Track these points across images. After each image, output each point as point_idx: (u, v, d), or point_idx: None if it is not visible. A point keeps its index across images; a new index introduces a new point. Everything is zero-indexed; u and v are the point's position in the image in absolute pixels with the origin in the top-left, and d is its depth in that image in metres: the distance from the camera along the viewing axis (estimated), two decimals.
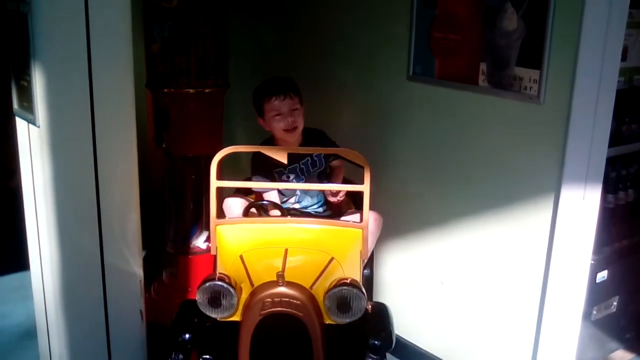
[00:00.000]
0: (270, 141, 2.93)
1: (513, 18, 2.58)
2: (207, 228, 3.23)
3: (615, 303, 3.21)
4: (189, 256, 3.45)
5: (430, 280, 3.13)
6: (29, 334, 2.97)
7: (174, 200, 3.47)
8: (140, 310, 2.72)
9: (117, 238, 2.57)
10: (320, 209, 3.01)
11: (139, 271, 2.68)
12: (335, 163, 3.02)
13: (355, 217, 2.78)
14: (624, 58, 2.75)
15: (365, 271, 2.88)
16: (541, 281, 2.69)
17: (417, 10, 2.93)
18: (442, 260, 3.07)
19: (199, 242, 3.44)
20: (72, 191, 2.44)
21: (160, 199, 3.54)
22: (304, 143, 2.92)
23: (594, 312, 3.11)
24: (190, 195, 3.40)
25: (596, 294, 3.06)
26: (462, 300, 3.02)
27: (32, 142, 2.44)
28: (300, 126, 2.87)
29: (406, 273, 3.26)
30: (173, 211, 3.48)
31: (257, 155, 2.86)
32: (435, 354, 3.18)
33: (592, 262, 2.85)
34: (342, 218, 2.82)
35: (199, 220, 3.42)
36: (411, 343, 3.26)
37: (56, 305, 2.55)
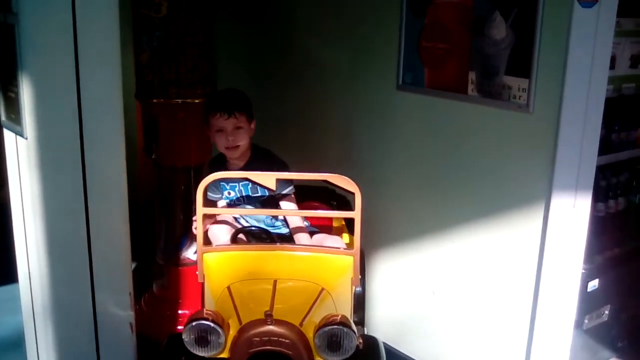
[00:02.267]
0: (223, 156, 2.88)
1: (502, 27, 2.59)
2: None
3: (607, 312, 3.21)
4: (179, 267, 3.43)
5: (422, 289, 3.12)
6: (17, 347, 2.94)
7: (163, 211, 3.45)
8: (130, 323, 2.70)
9: (107, 249, 2.54)
10: (286, 229, 2.92)
11: (128, 283, 2.66)
12: (284, 201, 2.86)
13: (335, 239, 2.77)
14: (612, 66, 2.77)
15: (357, 289, 2.85)
16: (532, 290, 2.69)
17: (407, 19, 2.94)
18: (434, 269, 3.06)
19: (189, 253, 3.42)
20: (60, 203, 2.42)
21: (150, 210, 3.52)
22: (251, 161, 2.86)
23: (586, 321, 3.10)
24: (180, 206, 3.38)
25: (588, 303, 3.05)
26: (453, 310, 3.01)
27: (20, 154, 2.42)
28: (243, 144, 2.81)
29: (398, 283, 3.25)
30: (163, 222, 3.46)
31: (210, 165, 2.88)
32: None
33: (583, 271, 2.85)
34: (326, 242, 2.77)
35: (189, 232, 3.39)
36: (403, 354, 3.25)
37: (45, 318, 2.53)
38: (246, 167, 2.84)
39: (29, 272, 2.57)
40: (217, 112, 2.77)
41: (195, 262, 3.34)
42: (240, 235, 2.75)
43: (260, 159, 2.86)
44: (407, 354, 3.24)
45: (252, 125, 2.85)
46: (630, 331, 3.43)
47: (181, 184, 3.35)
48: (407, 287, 3.20)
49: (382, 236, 3.11)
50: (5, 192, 2.63)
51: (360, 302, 2.97)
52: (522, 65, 2.54)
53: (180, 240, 3.42)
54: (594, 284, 3.03)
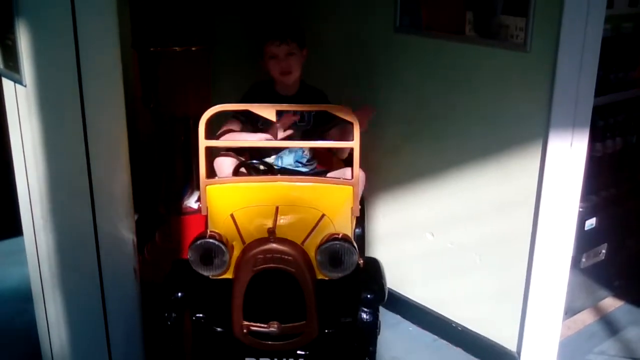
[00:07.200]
0: (270, 82, 2.95)
1: None
2: (199, 188, 3.22)
3: (604, 251, 3.24)
4: (181, 216, 3.46)
5: (421, 232, 3.15)
6: (25, 297, 2.98)
7: (164, 161, 3.47)
8: (134, 269, 2.73)
9: (108, 198, 2.54)
10: (305, 169, 2.95)
11: (131, 231, 2.67)
12: (333, 132, 2.91)
13: (343, 172, 2.79)
14: (610, 5, 2.74)
15: (357, 230, 2.88)
16: (530, 229, 2.72)
17: None
18: (431, 212, 3.09)
19: (191, 202, 3.45)
20: (61, 151, 2.42)
21: (151, 160, 3.54)
22: (300, 94, 2.93)
23: (583, 259, 3.14)
24: (180, 155, 3.40)
25: (585, 242, 3.09)
26: (452, 252, 3.05)
27: (19, 102, 2.42)
28: (296, 71, 2.89)
29: (396, 226, 3.28)
30: (164, 172, 3.48)
31: (252, 88, 2.94)
32: (427, 305, 3.22)
33: (581, 209, 2.88)
34: (331, 174, 2.82)
35: (190, 180, 3.42)
36: (403, 295, 3.30)
37: (50, 269, 2.54)
38: (297, 96, 2.92)
39: (33, 224, 2.58)
40: (269, 39, 2.85)
41: (196, 211, 3.39)
42: (243, 169, 2.77)
43: (309, 92, 2.96)
44: (406, 295, 3.30)
45: (304, 53, 2.92)
46: (626, 270, 3.48)
47: (180, 134, 3.37)
48: (405, 230, 3.23)
49: (380, 180, 3.13)
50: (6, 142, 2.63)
51: (360, 244, 3.01)
52: (519, 4, 2.52)
53: (182, 189, 3.45)
54: (591, 223, 3.06)
